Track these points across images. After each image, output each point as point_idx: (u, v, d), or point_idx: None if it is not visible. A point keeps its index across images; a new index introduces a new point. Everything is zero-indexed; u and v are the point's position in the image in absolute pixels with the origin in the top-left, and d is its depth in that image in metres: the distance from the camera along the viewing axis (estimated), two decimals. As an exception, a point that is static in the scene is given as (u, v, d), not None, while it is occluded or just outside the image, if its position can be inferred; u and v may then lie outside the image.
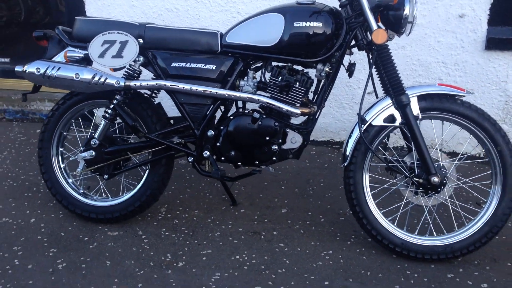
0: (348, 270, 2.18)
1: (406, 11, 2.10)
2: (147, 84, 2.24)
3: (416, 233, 2.29)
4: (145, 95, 2.42)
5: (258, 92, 2.28)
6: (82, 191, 2.52)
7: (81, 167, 2.44)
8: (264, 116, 2.23)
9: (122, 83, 2.22)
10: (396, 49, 3.24)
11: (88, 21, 2.36)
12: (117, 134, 2.44)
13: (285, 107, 2.18)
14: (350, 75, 2.29)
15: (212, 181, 2.91)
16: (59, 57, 2.33)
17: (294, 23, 2.15)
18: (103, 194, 2.55)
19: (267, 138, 2.22)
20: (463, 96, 2.19)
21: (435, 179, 2.15)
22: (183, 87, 2.22)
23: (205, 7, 3.44)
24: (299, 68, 2.32)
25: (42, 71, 2.23)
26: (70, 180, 2.52)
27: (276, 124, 2.21)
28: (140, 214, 2.53)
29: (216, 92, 2.21)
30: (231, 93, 2.21)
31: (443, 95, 2.19)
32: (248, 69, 2.30)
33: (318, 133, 3.57)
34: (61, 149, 2.52)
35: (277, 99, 2.22)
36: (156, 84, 2.24)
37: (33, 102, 3.92)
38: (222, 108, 2.37)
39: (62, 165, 2.52)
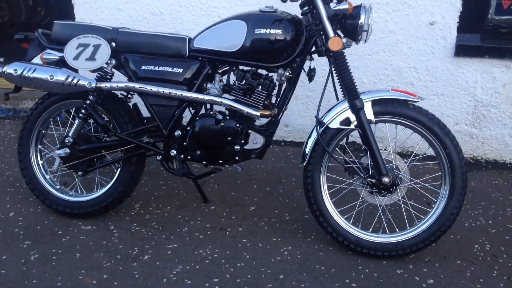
0: (304, 265, 2.30)
1: (362, 20, 2.22)
2: (117, 86, 2.38)
3: (370, 230, 2.41)
4: (119, 96, 2.56)
5: (225, 95, 2.41)
6: (58, 187, 2.66)
7: (57, 164, 2.57)
8: (227, 117, 2.36)
9: (93, 85, 2.36)
10: (370, 54, 3.36)
11: (65, 25, 2.50)
12: (92, 133, 2.57)
13: (245, 109, 2.31)
14: (310, 79, 2.41)
15: (187, 180, 3.04)
16: (37, 59, 2.46)
17: (255, 30, 2.27)
18: (79, 190, 2.69)
19: (229, 138, 2.35)
20: (415, 101, 2.31)
21: (386, 179, 2.26)
22: (151, 89, 2.35)
23: (187, 11, 3.58)
24: (264, 72, 2.44)
25: (19, 72, 2.38)
26: (47, 176, 2.67)
27: (238, 125, 2.34)
28: (114, 210, 2.67)
29: (181, 94, 2.34)
30: (195, 95, 2.34)
31: (397, 100, 2.31)
32: (215, 73, 2.43)
33: (296, 134, 3.69)
34: (39, 146, 2.66)
35: (240, 101, 2.35)
36: (126, 86, 2.38)
37: (24, 100, 4.08)
38: (192, 109, 2.51)
39: (40, 162, 2.66)
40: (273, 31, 2.26)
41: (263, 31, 2.27)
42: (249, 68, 2.41)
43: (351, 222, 2.42)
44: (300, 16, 2.34)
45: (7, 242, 2.42)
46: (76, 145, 2.51)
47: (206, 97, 2.34)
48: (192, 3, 3.52)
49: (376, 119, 2.31)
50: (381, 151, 2.32)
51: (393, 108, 2.30)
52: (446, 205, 2.30)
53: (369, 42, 3.26)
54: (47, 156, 2.70)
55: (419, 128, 2.31)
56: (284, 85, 2.43)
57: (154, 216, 2.67)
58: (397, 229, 2.42)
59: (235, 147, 2.39)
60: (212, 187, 3.00)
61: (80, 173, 2.56)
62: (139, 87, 2.36)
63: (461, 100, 3.36)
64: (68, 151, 2.50)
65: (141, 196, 2.87)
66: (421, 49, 3.31)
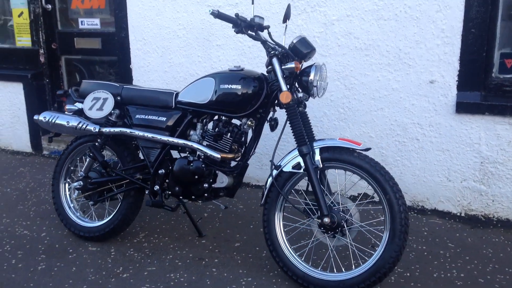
0: (253, 294, 2.55)
1: (311, 77, 2.54)
2: (114, 131, 2.90)
3: (319, 268, 2.60)
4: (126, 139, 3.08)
5: (204, 140, 2.81)
6: (78, 214, 3.21)
7: (75, 194, 3.14)
8: (195, 159, 2.75)
9: (97, 129, 2.92)
10: (376, 110, 3.57)
11: (89, 83, 3.11)
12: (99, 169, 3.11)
13: (208, 151, 2.68)
14: (271, 128, 2.72)
15: (202, 218, 3.43)
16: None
17: (221, 86, 2.68)
18: (93, 217, 3.21)
19: (196, 177, 2.74)
20: (361, 150, 2.51)
21: (326, 219, 2.47)
22: (138, 134, 2.84)
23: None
24: (237, 122, 2.82)
25: (47, 119, 3.02)
26: (71, 205, 3.24)
27: (203, 166, 2.72)
28: (122, 236, 3.14)
29: (160, 138, 2.79)
30: (171, 139, 2.78)
31: (344, 148, 2.53)
32: (197, 122, 2.86)
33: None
34: (68, 180, 3.26)
35: (208, 146, 2.74)
36: (120, 130, 2.89)
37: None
38: (178, 152, 2.94)
39: (67, 193, 3.24)
40: (235, 86, 2.65)
41: (226, 86, 2.67)
42: (223, 118, 2.80)
43: (303, 259, 2.62)
44: (266, 74, 2.70)
45: (28, 254, 2.98)
46: (88, 179, 3.05)
47: (179, 141, 2.76)
48: (225, 66, 4.01)
49: (325, 164, 2.54)
50: (336, 194, 2.54)
51: (340, 155, 2.52)
52: (386, 248, 2.42)
53: (374, 99, 3.49)
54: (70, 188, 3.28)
55: (362, 174, 2.50)
56: (250, 133, 2.77)
57: (150, 244, 3.09)
58: (343, 269, 2.57)
59: (204, 185, 2.76)
60: (213, 225, 3.36)
61: (91, 202, 3.10)
62: (130, 132, 2.86)
63: (467, 156, 3.39)
64: (82, 183, 3.05)
65: (149, 227, 3.32)
66: (424, 106, 3.44)
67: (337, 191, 2.64)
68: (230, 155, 2.70)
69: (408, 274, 2.73)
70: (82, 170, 3.07)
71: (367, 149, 2.53)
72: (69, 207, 3.22)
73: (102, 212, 3.31)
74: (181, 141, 2.76)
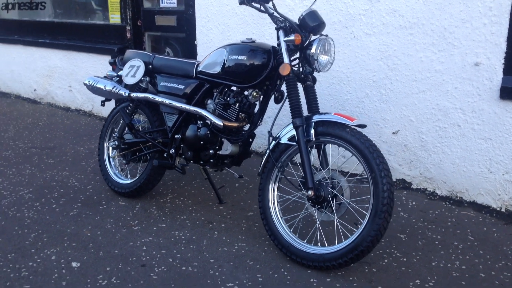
0: (238, 257, 2.63)
1: (312, 50, 2.54)
2: (139, 96, 3.13)
3: (305, 240, 2.60)
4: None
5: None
6: (116, 171, 3.51)
7: (113, 153, 3.45)
8: (203, 126, 2.88)
9: (127, 94, 3.17)
10: (417, 93, 3.40)
11: (130, 52, 3.38)
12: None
13: (213, 119, 2.79)
14: (275, 101, 2.75)
15: (225, 186, 3.57)
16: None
17: (230, 56, 2.77)
18: (128, 175, 3.49)
19: (202, 142, 2.86)
20: (355, 125, 2.46)
21: (310, 192, 2.46)
22: (158, 99, 3.04)
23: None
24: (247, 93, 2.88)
25: (90, 83, 3.35)
26: (113, 163, 3.55)
27: (208, 132, 2.84)
28: (153, 195, 3.40)
29: (175, 104, 2.96)
30: (183, 106, 2.93)
31: (338, 123, 2.49)
32: (214, 90, 2.98)
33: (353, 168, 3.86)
34: (110, 139, 3.57)
35: (219, 114, 2.85)
36: (144, 96, 3.11)
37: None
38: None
39: (110, 152, 3.56)
40: (243, 57, 2.73)
41: (235, 57, 2.75)
42: (234, 89, 2.89)
43: (292, 230, 2.64)
44: (277, 47, 2.74)
45: (68, 201, 3.34)
46: (122, 139, 3.33)
47: (191, 108, 2.91)
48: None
49: (319, 138, 2.53)
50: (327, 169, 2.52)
51: (333, 130, 2.50)
52: (366, 227, 2.36)
53: (417, 81, 3.35)
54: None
55: (352, 150, 2.45)
56: (257, 104, 2.83)
57: (173, 205, 3.30)
58: (325, 243, 2.55)
59: (210, 151, 2.88)
60: (238, 194, 3.47)
61: (124, 161, 3.38)
62: (152, 97, 3.07)
63: (510, 146, 3.10)
64: (116, 143, 3.34)
65: (179, 190, 3.53)
66: (467, 90, 3.20)
67: (333, 166, 2.61)
68: (233, 124, 2.79)
69: (404, 259, 2.62)
70: (116, 130, 3.35)
71: (362, 126, 2.47)
72: (110, 165, 3.53)
73: (137, 171, 3.59)
74: (192, 108, 2.91)
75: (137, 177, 3.32)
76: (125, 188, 3.37)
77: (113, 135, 3.43)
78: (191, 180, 3.74)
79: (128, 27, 5.30)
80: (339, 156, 2.74)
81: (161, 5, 5.10)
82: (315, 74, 2.75)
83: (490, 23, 3.05)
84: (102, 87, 3.27)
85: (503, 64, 3.04)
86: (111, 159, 3.55)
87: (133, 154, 3.35)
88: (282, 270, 2.52)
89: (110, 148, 3.48)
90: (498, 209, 3.21)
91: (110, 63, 3.54)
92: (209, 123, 2.90)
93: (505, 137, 3.11)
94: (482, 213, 3.18)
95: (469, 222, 3.06)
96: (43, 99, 6.47)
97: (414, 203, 3.33)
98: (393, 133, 3.56)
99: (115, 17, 5.48)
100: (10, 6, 6.92)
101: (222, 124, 2.76)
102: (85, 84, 3.41)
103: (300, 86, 2.63)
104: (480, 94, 3.16)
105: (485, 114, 3.16)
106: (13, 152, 4.36)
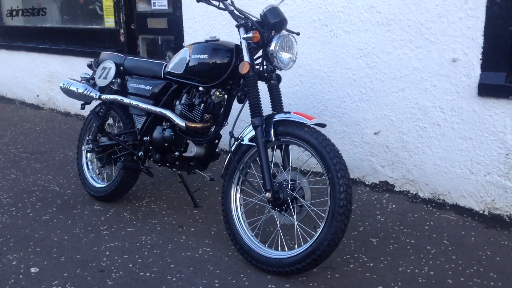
0: (200, 262, 2.57)
1: (271, 47, 2.47)
2: (108, 98, 3.10)
3: (266, 245, 2.52)
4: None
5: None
6: (93, 175, 3.49)
7: (90, 156, 3.43)
8: (168, 127, 2.83)
9: (97, 96, 3.15)
10: (397, 92, 3.30)
11: (104, 53, 3.36)
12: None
13: (176, 119, 2.74)
14: (239, 101, 2.68)
15: (201, 189, 3.52)
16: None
17: (193, 56, 2.73)
18: (104, 179, 3.47)
19: (166, 144, 2.82)
20: (313, 124, 2.38)
21: (267, 195, 2.39)
22: (125, 101, 3.00)
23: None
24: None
25: (64, 85, 3.34)
26: (90, 167, 3.53)
27: (172, 134, 2.79)
28: (129, 199, 3.37)
29: (141, 106, 2.92)
30: (149, 107, 2.89)
31: (297, 123, 2.42)
32: (181, 92, 2.93)
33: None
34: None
35: (182, 115, 2.80)
36: (113, 98, 3.08)
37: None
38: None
39: (87, 156, 3.54)
40: (205, 56, 2.68)
41: (197, 56, 2.71)
42: (200, 89, 2.84)
43: (254, 233, 2.57)
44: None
45: (44, 206, 3.33)
46: (96, 142, 3.31)
47: (156, 109, 2.86)
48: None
49: (277, 138, 2.46)
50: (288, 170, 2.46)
51: (292, 130, 2.42)
52: (323, 231, 2.28)
53: (396, 79, 3.25)
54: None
55: (310, 150, 2.37)
56: (223, 104, 2.77)
57: (147, 209, 3.26)
58: (285, 248, 2.47)
59: (176, 153, 2.83)
60: (215, 198, 3.41)
61: (99, 165, 3.35)
62: (120, 99, 3.04)
63: (490, 146, 2.98)
64: (91, 146, 3.33)
65: (157, 194, 3.49)
66: (446, 88, 3.09)
67: (295, 167, 2.53)
68: (197, 125, 2.73)
69: (371, 264, 2.53)
70: (90, 134, 3.34)
71: (321, 125, 2.40)
72: (88, 169, 3.52)
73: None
74: (157, 109, 2.87)
75: (111, 181, 3.29)
76: (100, 192, 3.34)
77: (86, 138, 3.41)
78: (172, 183, 3.70)
79: (122, 31, 5.31)
80: (301, 157, 2.65)
81: (153, 8, 5.09)
82: (282, 73, 2.68)
83: (466, 17, 2.93)
84: (74, 89, 3.26)
85: (480, 59, 2.92)
86: (88, 163, 3.53)
87: (108, 157, 3.33)
88: (242, 275, 2.45)
89: (87, 152, 3.46)
90: (481, 212, 3.08)
91: (88, 66, 3.53)
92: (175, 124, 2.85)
93: (485, 136, 2.98)
94: (464, 216, 3.05)
95: (447, 226, 2.94)
96: (46, 105, 6.52)
97: (394, 206, 3.22)
98: (375, 133, 3.45)
99: (109, 21, 5.50)
100: (14, 13, 7.02)
101: (185, 125, 2.71)
102: (60, 87, 3.40)
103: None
104: (458, 91, 3.04)
105: (464, 113, 3.04)
106: (3, 157, 4.40)
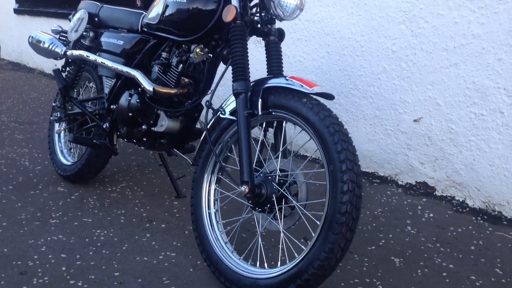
0: (154, 271, 1.92)
1: (269, -13, 1.77)
2: (73, 54, 2.48)
3: (242, 256, 1.83)
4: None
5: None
6: (65, 150, 2.89)
7: (58, 127, 2.83)
8: (137, 93, 2.17)
9: (62, 52, 2.53)
10: (447, 67, 2.52)
11: (83, 2, 2.74)
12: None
13: (143, 82, 2.08)
14: (223, 61, 1.99)
15: (188, 176, 2.86)
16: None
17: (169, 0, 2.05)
18: (75, 156, 2.86)
19: (130, 114, 2.16)
20: (313, 93, 1.67)
21: (243, 188, 1.70)
22: (91, 58, 2.37)
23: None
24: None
25: (31, 39, 2.74)
26: (63, 140, 2.93)
27: (138, 101, 2.13)
28: (103, 181, 2.80)
29: (106, 64, 2.27)
30: (114, 65, 2.24)
31: (293, 90, 1.71)
32: (161, 49, 2.26)
33: (362, 163, 3.00)
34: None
35: (155, 77, 2.14)
36: (79, 54, 2.45)
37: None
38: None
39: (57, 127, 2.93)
40: (183, 0, 2.00)
41: (175, 0, 2.03)
42: (181, 45, 2.16)
43: (228, 239, 1.89)
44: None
45: (2, 183, 2.76)
46: (64, 109, 2.70)
47: (122, 68, 2.21)
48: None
49: (269, 111, 1.76)
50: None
51: (286, 101, 1.72)
52: (315, 245, 1.56)
53: (447, 50, 2.48)
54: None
55: (308, 130, 1.66)
56: (205, 66, 2.08)
57: (119, 196, 2.63)
58: (265, 264, 1.76)
59: (143, 126, 2.17)
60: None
61: (68, 138, 2.74)
62: (86, 55, 2.40)
63: None
64: (58, 115, 2.72)
65: (138, 178, 2.87)
66: (515, 63, 2.28)
67: (288, 153, 1.82)
68: (168, 90, 2.06)
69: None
70: (57, 101, 2.73)
71: (327, 96, 1.69)
72: (59, 142, 2.92)
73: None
74: (124, 69, 2.21)
75: (77, 159, 2.69)
76: (66, 170, 2.75)
77: (53, 104, 2.80)
78: (161, 167, 3.04)
79: (137, -6, 4.70)
80: (298, 139, 1.92)
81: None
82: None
83: (552, -36, 2.11)
84: (40, 44, 2.65)
85: None
86: (61, 135, 2.93)
87: (79, 128, 2.72)
88: (204, 295, 1.77)
89: (55, 122, 2.86)
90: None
91: (69, 19, 2.92)
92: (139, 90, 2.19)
93: None
94: (525, 236, 2.25)
95: (502, 247, 2.15)
96: (62, 75, 6.04)
97: (431, 215, 2.45)
98: (415, 120, 2.68)
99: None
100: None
101: (152, 89, 2.04)
102: (28, 42, 2.81)
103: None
104: (533, 68, 2.23)
105: (539, 97, 2.23)
106: (-10, 126, 3.89)
